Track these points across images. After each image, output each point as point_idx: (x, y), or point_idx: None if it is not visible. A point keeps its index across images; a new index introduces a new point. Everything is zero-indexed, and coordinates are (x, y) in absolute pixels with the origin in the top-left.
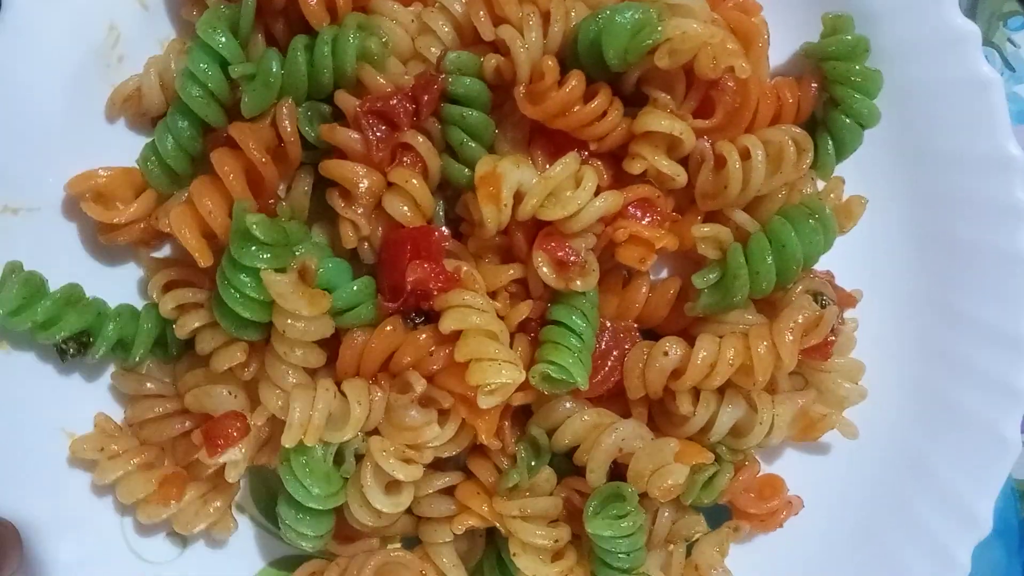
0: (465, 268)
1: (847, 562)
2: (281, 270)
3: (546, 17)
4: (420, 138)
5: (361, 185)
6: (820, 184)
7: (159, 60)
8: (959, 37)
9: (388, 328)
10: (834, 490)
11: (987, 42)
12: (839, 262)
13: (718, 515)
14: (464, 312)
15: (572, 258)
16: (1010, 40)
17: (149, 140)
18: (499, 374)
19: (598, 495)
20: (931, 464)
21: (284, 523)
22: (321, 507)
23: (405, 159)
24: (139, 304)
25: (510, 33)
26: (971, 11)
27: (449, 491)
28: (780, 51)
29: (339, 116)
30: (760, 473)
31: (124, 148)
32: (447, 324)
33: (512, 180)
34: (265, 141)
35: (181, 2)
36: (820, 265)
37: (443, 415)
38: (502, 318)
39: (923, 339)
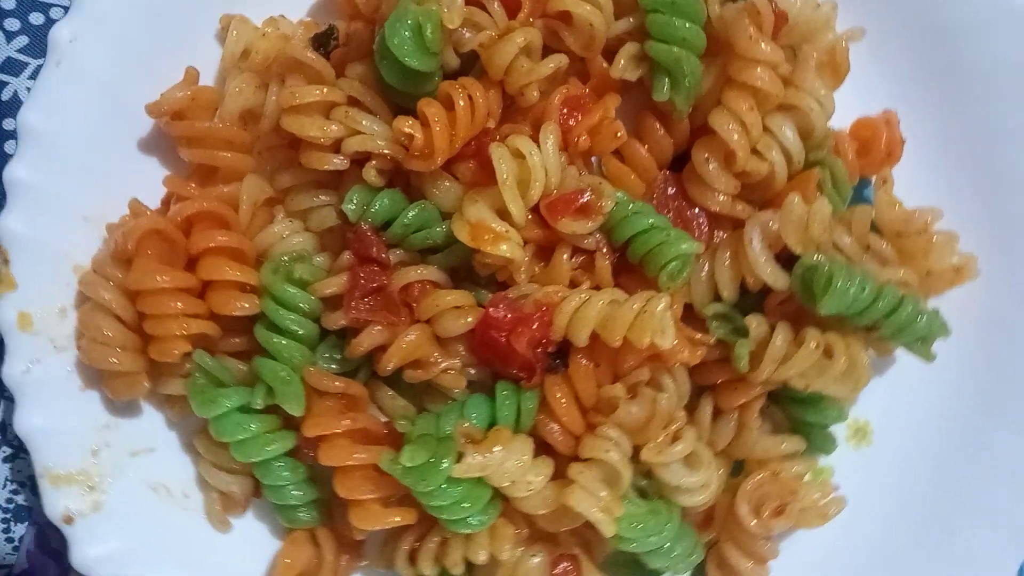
0: (540, 294)
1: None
2: (458, 457)
3: (353, 101)
4: (402, 272)
5: (419, 350)
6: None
7: None
8: None
9: (559, 396)
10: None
11: None
12: None
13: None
14: (578, 316)
15: (584, 199)
16: None
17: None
18: (655, 315)
19: (798, 290)
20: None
21: (666, 564)
22: (684, 532)
23: (414, 295)
24: None
25: (356, 142)
26: None
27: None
28: None
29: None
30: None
31: None
32: (580, 339)
33: (488, 214)
34: (337, 409)
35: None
36: None
37: (655, 383)
38: (598, 288)
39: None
